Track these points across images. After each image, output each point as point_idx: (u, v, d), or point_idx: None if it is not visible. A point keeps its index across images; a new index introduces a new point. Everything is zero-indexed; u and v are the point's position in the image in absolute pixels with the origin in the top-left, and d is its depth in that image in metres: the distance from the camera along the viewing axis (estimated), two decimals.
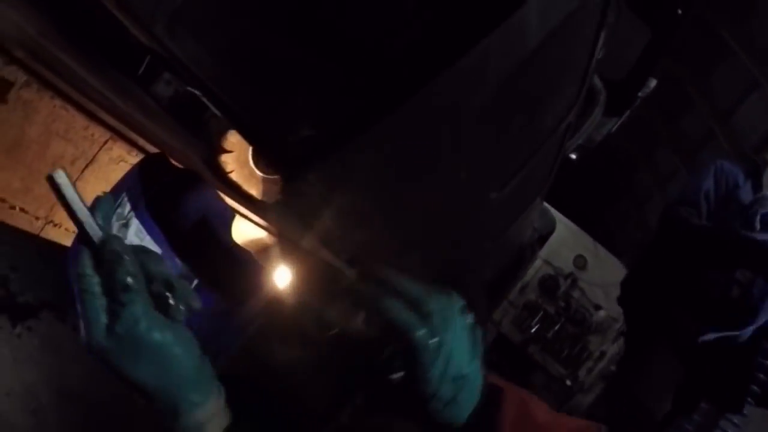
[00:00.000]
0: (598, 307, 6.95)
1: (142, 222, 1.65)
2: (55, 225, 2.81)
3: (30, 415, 1.45)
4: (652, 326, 3.49)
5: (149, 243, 1.53)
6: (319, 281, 1.19)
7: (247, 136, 0.90)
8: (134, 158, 2.86)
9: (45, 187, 2.70)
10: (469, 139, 0.90)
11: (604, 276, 6.78)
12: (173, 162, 2.12)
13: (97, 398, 1.67)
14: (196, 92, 0.92)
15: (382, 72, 0.72)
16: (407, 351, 0.71)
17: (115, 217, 1.62)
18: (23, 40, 2.03)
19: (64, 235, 2.89)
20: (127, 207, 1.65)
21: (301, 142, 0.75)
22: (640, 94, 2.35)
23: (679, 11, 2.06)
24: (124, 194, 1.69)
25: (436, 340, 0.70)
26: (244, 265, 1.41)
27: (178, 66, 0.89)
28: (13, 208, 2.59)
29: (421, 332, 0.69)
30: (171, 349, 0.70)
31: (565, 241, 6.65)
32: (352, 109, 0.76)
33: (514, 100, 0.96)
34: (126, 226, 1.63)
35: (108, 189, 3.03)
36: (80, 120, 2.53)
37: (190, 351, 0.73)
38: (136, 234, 1.61)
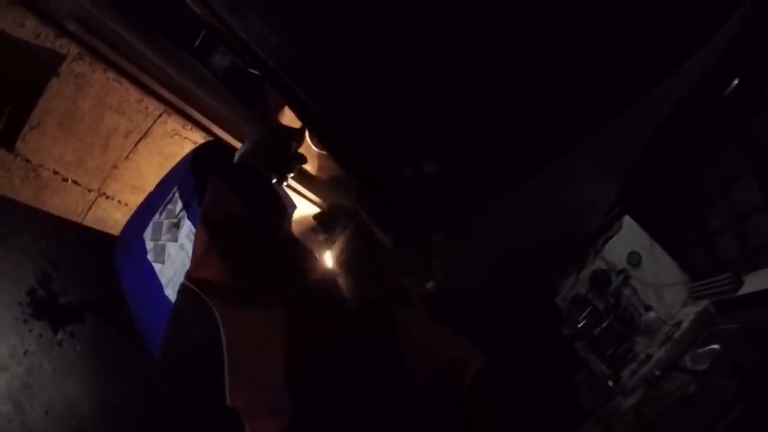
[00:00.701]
0: (648, 308, 6.68)
1: (195, 222, 1.56)
2: (108, 197, 2.80)
3: None
4: None
5: None
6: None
7: (335, 152, 0.76)
8: (189, 132, 2.81)
9: (98, 160, 2.65)
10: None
11: (658, 276, 6.49)
12: (228, 149, 2.02)
13: (140, 411, 1.58)
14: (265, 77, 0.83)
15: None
16: None
17: (165, 214, 1.53)
18: (76, 11, 1.96)
19: (116, 207, 2.88)
20: (179, 204, 1.58)
21: (419, 181, 0.63)
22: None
23: None
24: (175, 189, 1.59)
25: None
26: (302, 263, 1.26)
27: (240, 45, 0.78)
28: (65, 180, 2.58)
29: None
30: None
31: (621, 235, 6.35)
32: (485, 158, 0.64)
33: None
34: (177, 226, 1.55)
35: (162, 163, 3.01)
36: (134, 93, 2.47)
37: None
38: (187, 236, 1.52)
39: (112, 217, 2.90)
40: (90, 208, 2.75)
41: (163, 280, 1.55)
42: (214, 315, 0.77)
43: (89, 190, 2.71)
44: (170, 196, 1.60)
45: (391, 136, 0.65)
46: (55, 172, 2.52)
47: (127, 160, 2.73)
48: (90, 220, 2.76)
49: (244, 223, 0.92)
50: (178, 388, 0.75)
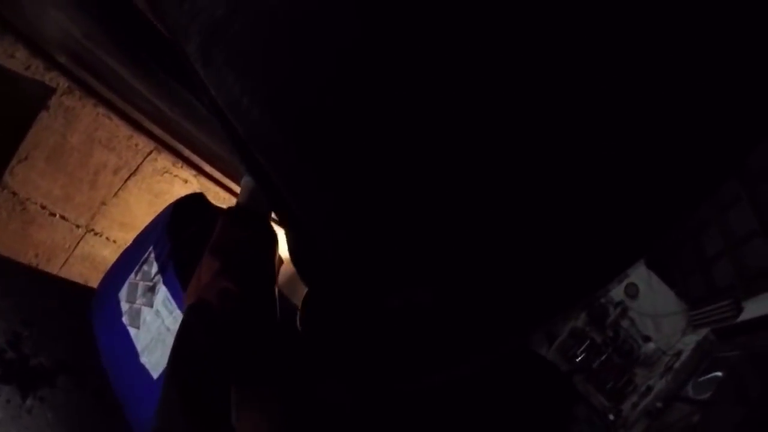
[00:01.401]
0: (647, 339, 6.61)
1: (171, 290, 1.48)
2: (96, 234, 2.75)
3: None
4: None
5: (179, 316, 1.37)
6: None
7: (298, 258, 0.63)
8: (179, 170, 2.79)
9: (86, 195, 2.57)
10: None
11: (655, 306, 6.44)
12: (208, 203, 1.96)
13: None
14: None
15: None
16: None
17: (140, 275, 1.47)
18: (67, 43, 1.96)
19: (104, 244, 2.83)
20: (154, 267, 1.50)
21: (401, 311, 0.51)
22: None
23: None
24: (150, 249, 1.52)
25: None
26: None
27: (210, 103, 0.68)
28: (53, 215, 2.54)
29: None
30: None
31: None
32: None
33: None
34: (152, 290, 1.47)
35: (152, 201, 2.98)
36: (124, 129, 2.46)
37: None
38: (164, 304, 1.44)
39: (100, 254, 2.85)
40: (78, 244, 2.70)
41: (139, 347, 1.46)
42: (223, 332, 0.80)
43: (77, 226, 2.67)
44: (146, 255, 1.53)
45: (381, 257, 0.49)
46: (43, 207, 2.48)
47: (116, 197, 2.70)
48: (78, 257, 2.72)
49: (253, 258, 0.96)
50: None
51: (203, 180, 2.92)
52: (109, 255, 2.90)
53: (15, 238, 2.43)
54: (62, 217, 2.58)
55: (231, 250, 0.94)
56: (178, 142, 2.69)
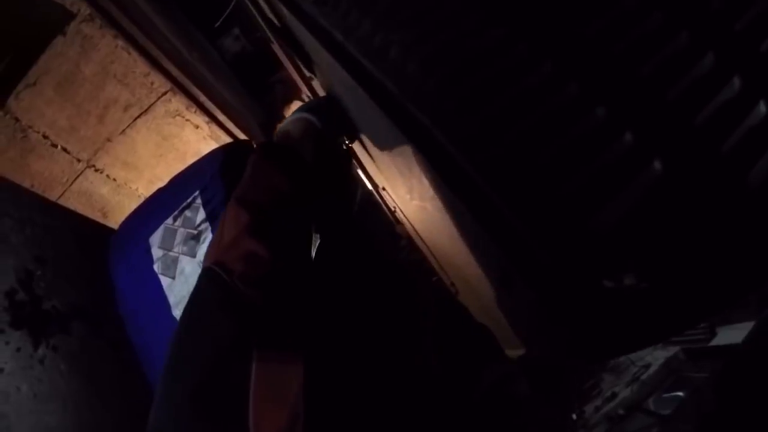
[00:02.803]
0: None
1: None
2: (97, 170, 2.63)
3: None
4: None
5: None
6: None
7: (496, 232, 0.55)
8: (191, 114, 2.66)
9: (92, 130, 2.40)
10: None
11: None
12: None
13: None
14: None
15: None
16: None
17: (181, 221, 1.32)
18: None
19: (103, 182, 2.71)
20: (200, 214, 1.32)
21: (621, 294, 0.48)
22: None
23: None
24: (197, 194, 1.35)
25: None
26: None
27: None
28: (54, 146, 2.40)
29: None
30: None
31: None
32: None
33: None
34: (196, 239, 1.30)
35: (159, 143, 2.84)
36: (141, 65, 2.33)
37: None
38: None
39: (98, 191, 2.74)
40: (76, 178, 2.58)
41: (172, 299, 1.31)
42: (240, 310, 0.65)
43: (78, 160, 2.55)
44: (189, 200, 1.34)
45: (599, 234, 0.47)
46: (45, 136, 2.36)
47: (122, 135, 2.58)
48: (74, 192, 2.60)
49: (292, 204, 0.80)
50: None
51: (215, 128, 2.80)
52: (108, 193, 2.79)
53: (12, 166, 2.30)
54: (64, 149, 2.46)
55: (265, 201, 0.77)
56: (195, 86, 2.57)
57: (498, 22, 0.57)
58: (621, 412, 6.60)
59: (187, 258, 1.28)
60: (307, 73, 1.19)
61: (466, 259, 0.89)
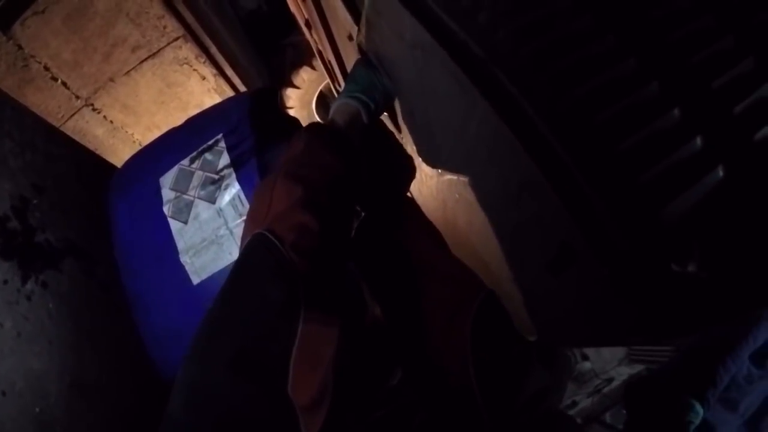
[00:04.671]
0: (585, 357, 6.84)
1: (247, 190, 1.22)
2: (95, 110, 2.54)
3: (31, 422, 0.95)
4: None
5: None
6: None
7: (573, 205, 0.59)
8: (200, 65, 2.58)
9: (95, 67, 2.27)
10: None
11: None
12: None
13: (116, 395, 1.19)
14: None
15: None
16: None
17: (199, 164, 1.24)
18: None
19: (100, 123, 2.62)
20: (224, 158, 1.24)
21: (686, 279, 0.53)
22: None
23: None
24: (220, 137, 1.27)
25: None
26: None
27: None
28: (55, 79, 2.31)
29: None
30: None
31: None
32: None
33: None
34: (217, 185, 1.23)
35: (163, 90, 2.76)
36: (156, 7, 2.24)
37: None
38: (232, 204, 1.21)
39: (93, 131, 2.65)
40: (72, 115, 2.50)
41: (181, 245, 1.23)
42: (290, 276, 0.69)
43: (77, 97, 2.46)
44: (210, 142, 1.26)
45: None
46: (46, 68, 2.27)
47: (126, 76, 2.49)
48: (68, 129, 2.52)
49: (342, 184, 0.86)
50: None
51: (221, 82, 2.73)
52: (102, 135, 2.71)
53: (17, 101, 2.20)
54: (63, 84, 2.37)
55: (318, 178, 0.81)
56: (207, 35, 2.49)
57: (586, 9, 0.63)
58: (579, 421, 6.71)
59: (205, 203, 1.21)
60: (351, 29, 1.13)
61: (490, 241, 0.91)
